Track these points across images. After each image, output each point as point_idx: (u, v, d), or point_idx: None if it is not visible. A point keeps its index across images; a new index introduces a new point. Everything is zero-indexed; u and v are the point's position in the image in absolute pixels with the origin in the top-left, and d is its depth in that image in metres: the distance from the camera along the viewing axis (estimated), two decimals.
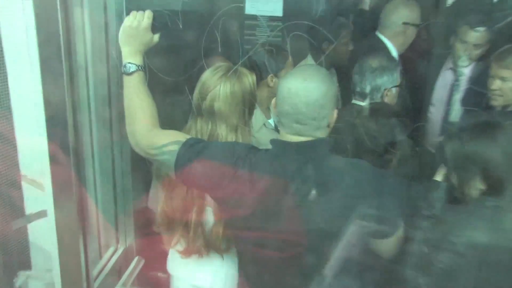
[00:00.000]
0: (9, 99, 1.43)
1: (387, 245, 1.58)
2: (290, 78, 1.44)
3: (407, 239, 1.59)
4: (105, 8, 1.62)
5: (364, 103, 2.13)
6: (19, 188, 1.47)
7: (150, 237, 1.80)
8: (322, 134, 1.45)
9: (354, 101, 2.20)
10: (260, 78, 2.16)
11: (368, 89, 2.14)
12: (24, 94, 1.45)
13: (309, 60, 2.73)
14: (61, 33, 1.35)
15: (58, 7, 1.34)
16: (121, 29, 1.56)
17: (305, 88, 1.39)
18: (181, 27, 1.66)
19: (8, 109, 1.43)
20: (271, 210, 1.45)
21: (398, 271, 1.60)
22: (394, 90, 2.15)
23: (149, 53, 1.62)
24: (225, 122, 1.64)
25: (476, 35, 2.48)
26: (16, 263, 1.51)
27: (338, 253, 1.48)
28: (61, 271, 1.49)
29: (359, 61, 2.22)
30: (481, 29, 2.47)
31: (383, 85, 2.13)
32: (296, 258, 1.49)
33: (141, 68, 1.57)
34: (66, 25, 1.36)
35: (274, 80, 2.21)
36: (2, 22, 1.38)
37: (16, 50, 1.40)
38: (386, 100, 2.15)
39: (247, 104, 1.66)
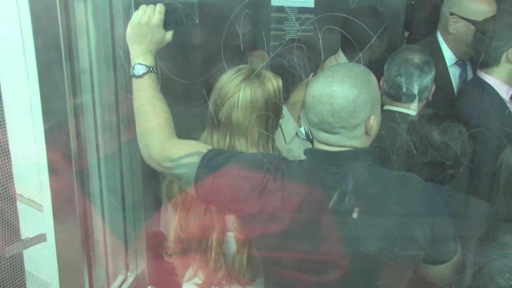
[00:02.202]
0: (2, 107, 1.39)
1: (442, 272, 1.53)
2: (315, 83, 1.41)
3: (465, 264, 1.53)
4: (110, 2, 1.61)
5: (406, 109, 2.02)
6: (14, 208, 1.44)
7: (165, 263, 1.74)
8: (360, 143, 1.41)
9: (391, 107, 2.08)
10: (293, 81, 2.04)
11: (415, 90, 2.04)
12: (19, 101, 1.45)
13: (341, 57, 2.60)
14: (61, 32, 1.35)
15: (58, 3, 1.33)
16: (129, 26, 1.54)
17: (329, 94, 1.36)
18: (197, 22, 1.63)
19: (1, 118, 1.38)
20: (305, 227, 1.42)
21: None
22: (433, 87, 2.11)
23: (161, 52, 1.59)
24: (244, 135, 1.59)
25: None
26: None
27: (383, 278, 1.43)
28: None
29: (389, 60, 2.11)
30: None
31: (430, 83, 2.04)
32: (336, 282, 1.44)
33: (152, 69, 1.54)
34: (66, 23, 1.36)
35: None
36: None
37: (9, 52, 1.43)
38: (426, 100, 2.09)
39: (271, 114, 1.61)
